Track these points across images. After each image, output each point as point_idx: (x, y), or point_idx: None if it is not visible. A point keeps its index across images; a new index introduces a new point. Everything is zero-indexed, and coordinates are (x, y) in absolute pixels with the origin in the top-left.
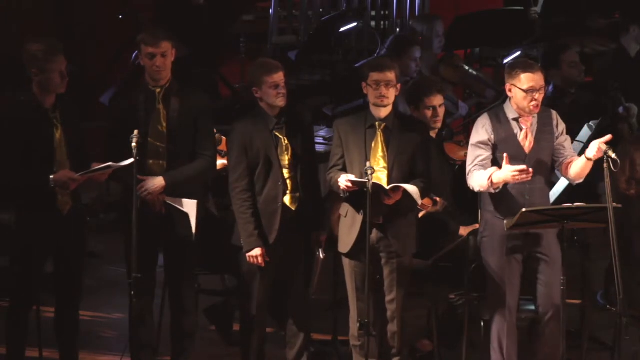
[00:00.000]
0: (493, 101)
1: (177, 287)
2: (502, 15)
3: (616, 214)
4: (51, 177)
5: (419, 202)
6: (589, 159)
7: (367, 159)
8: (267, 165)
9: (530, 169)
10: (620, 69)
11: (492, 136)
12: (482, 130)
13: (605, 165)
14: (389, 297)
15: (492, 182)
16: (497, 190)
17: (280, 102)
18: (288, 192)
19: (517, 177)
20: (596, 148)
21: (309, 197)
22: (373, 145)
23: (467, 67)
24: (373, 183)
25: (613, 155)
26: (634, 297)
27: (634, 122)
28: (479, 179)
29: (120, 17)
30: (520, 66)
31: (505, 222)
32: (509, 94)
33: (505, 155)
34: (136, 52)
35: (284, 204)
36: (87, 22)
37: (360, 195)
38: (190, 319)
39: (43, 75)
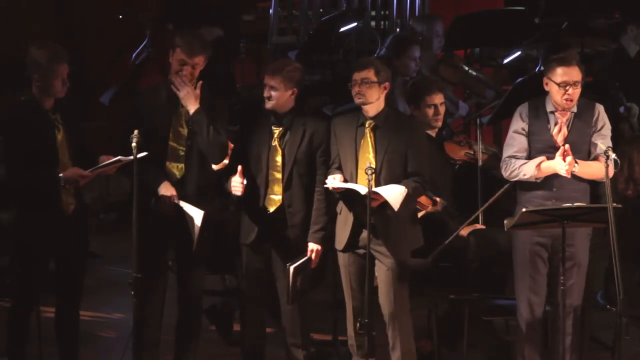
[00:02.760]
0: (493, 101)
1: (186, 288)
2: (502, 15)
3: (616, 214)
4: (60, 175)
5: (395, 208)
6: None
7: (356, 158)
8: (257, 162)
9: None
10: (620, 69)
11: (527, 125)
12: (518, 119)
13: (605, 165)
14: (385, 298)
15: (539, 169)
16: (539, 180)
17: (266, 104)
18: (268, 192)
19: (567, 171)
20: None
21: (294, 203)
22: (362, 144)
23: (466, 67)
24: (351, 190)
25: (613, 156)
26: (634, 297)
27: (634, 122)
28: (525, 168)
29: (120, 17)
30: (556, 60)
31: (505, 222)
32: (545, 87)
33: (567, 146)
34: (136, 52)
35: (264, 204)
36: (87, 22)
37: (350, 194)
38: (197, 319)
39: (44, 81)
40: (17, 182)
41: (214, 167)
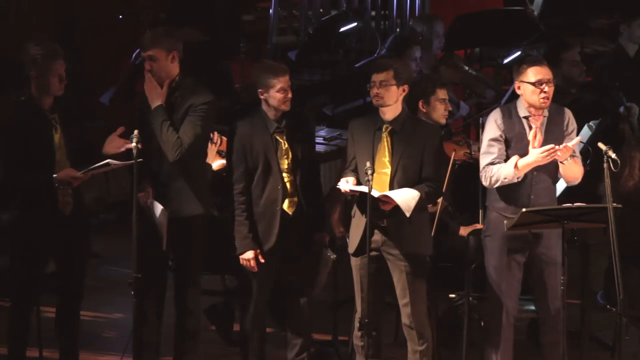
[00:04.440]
0: (493, 101)
1: (182, 288)
2: (502, 15)
3: (616, 214)
4: (54, 175)
5: (408, 213)
6: (561, 163)
7: (372, 161)
8: (267, 169)
9: (557, 147)
10: (620, 69)
11: (503, 132)
12: (494, 126)
13: (605, 165)
14: (403, 301)
15: (517, 168)
16: (520, 179)
17: (286, 106)
18: (286, 196)
19: (547, 157)
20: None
21: (308, 200)
22: (379, 147)
23: (467, 67)
24: (363, 193)
25: (613, 156)
26: (634, 297)
27: (634, 122)
28: (503, 170)
29: (120, 17)
30: (526, 61)
31: (505, 222)
32: (518, 91)
33: (537, 137)
34: (136, 52)
35: (281, 208)
36: (87, 22)
37: (362, 197)
38: (194, 319)
39: (42, 78)
40: (12, 182)
41: (213, 167)
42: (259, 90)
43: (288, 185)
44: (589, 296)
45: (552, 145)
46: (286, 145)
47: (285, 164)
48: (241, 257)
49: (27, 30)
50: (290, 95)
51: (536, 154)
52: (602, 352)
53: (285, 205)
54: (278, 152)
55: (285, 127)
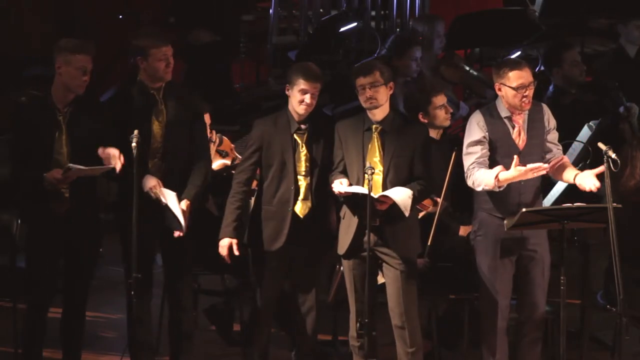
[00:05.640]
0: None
1: (174, 285)
2: (502, 15)
3: (616, 214)
4: (44, 174)
5: (407, 213)
6: (576, 184)
7: (363, 161)
8: (282, 169)
9: (545, 165)
10: (620, 69)
11: (487, 133)
12: (476, 128)
13: (605, 165)
14: (394, 301)
15: (498, 180)
16: (501, 189)
17: (301, 110)
18: (299, 198)
19: (535, 174)
20: (590, 184)
21: (323, 205)
22: (370, 147)
23: (467, 67)
24: (357, 194)
25: (613, 156)
26: (634, 297)
27: (634, 122)
28: (484, 178)
29: (120, 17)
30: (507, 65)
31: (505, 222)
32: (498, 93)
33: (515, 156)
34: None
35: (293, 210)
36: (87, 22)
37: (356, 198)
38: (188, 317)
39: (66, 67)
40: (12, 181)
41: (213, 167)
42: (287, 85)
43: (303, 187)
44: (589, 296)
45: (539, 165)
46: (304, 148)
47: (302, 166)
48: (219, 243)
49: (27, 30)
50: (310, 102)
51: (519, 172)
52: (602, 352)
53: (298, 208)
54: (295, 154)
55: (307, 130)
